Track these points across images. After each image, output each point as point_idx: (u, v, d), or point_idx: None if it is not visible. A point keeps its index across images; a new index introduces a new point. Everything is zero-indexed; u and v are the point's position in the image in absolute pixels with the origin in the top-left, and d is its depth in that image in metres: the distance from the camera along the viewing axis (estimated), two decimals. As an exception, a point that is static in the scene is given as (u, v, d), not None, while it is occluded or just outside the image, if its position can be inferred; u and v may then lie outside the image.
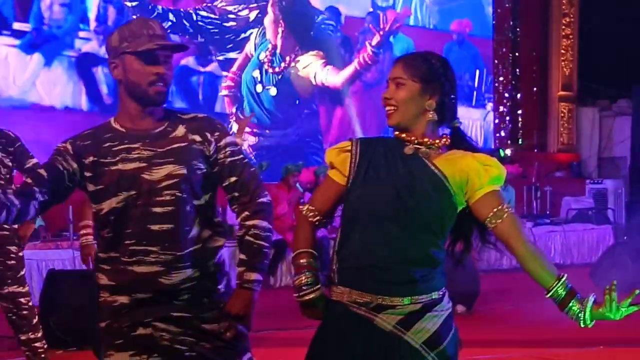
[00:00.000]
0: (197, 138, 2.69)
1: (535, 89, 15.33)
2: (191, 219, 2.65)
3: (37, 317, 5.06)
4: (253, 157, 11.77)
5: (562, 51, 15.34)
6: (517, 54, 15.06)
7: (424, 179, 2.54)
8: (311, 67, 12.49)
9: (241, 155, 2.75)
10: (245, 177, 2.72)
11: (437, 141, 2.61)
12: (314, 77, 12.52)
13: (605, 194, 13.75)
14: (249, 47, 12.16)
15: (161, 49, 2.62)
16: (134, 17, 10.09)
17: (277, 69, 12.22)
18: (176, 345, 2.64)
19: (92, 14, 10.76)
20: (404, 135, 2.62)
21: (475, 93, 14.71)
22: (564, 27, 15.32)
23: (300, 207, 2.76)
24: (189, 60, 11.78)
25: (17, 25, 10.32)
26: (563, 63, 15.36)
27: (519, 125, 15.07)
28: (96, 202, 2.67)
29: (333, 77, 12.61)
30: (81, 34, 10.62)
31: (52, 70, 10.46)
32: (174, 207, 2.62)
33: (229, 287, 2.77)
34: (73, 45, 10.64)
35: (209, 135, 2.70)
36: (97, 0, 10.85)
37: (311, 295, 2.64)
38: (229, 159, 2.71)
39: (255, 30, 12.16)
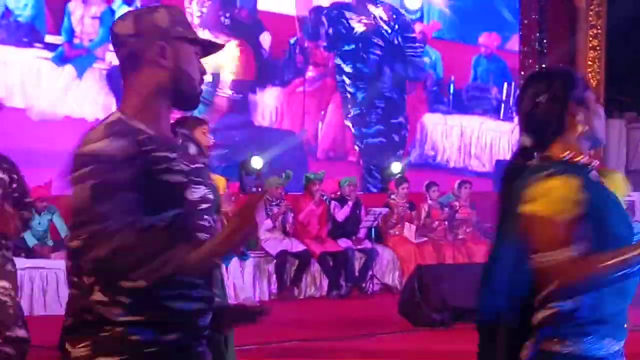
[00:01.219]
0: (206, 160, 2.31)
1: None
2: None
3: None
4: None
5: (589, 63, 15.25)
6: (543, 65, 15.00)
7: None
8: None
9: None
10: None
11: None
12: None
13: (633, 206, 13.64)
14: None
15: (209, 46, 2.22)
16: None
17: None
18: None
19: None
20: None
21: (503, 106, 14.67)
22: (591, 38, 15.24)
23: None
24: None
25: (49, 38, 10.47)
26: (590, 75, 15.26)
27: (546, 137, 15.02)
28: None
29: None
30: (112, 46, 10.74)
31: (83, 82, 10.58)
32: (210, 234, 2.15)
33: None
34: (104, 58, 10.77)
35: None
36: (128, 13, 10.96)
37: None
38: None
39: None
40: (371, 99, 12.88)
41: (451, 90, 14.01)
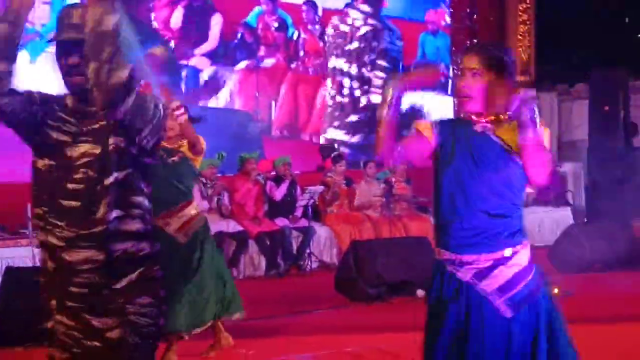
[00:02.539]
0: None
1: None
2: (99, 199, 2.64)
3: None
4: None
5: (520, 37, 15.47)
6: (475, 41, 15.16)
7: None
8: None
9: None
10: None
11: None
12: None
13: (565, 176, 13.94)
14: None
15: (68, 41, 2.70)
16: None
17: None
18: (67, 339, 2.66)
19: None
20: None
21: (450, 82, 14.84)
22: (520, 13, 15.44)
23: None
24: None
25: (0, 24, 10.33)
26: (521, 49, 15.47)
27: (479, 111, 15.19)
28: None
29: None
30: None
31: (36, 66, 10.44)
32: (84, 186, 2.65)
33: (130, 286, 2.68)
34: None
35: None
36: (79, -2, 10.87)
37: None
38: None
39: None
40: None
41: (400, 67, 14.14)
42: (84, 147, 2.66)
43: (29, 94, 2.78)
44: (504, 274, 3.01)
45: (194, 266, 5.42)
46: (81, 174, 2.64)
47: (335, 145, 12.07)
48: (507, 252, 3.02)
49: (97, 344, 2.61)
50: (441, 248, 3.11)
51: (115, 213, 2.63)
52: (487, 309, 3.00)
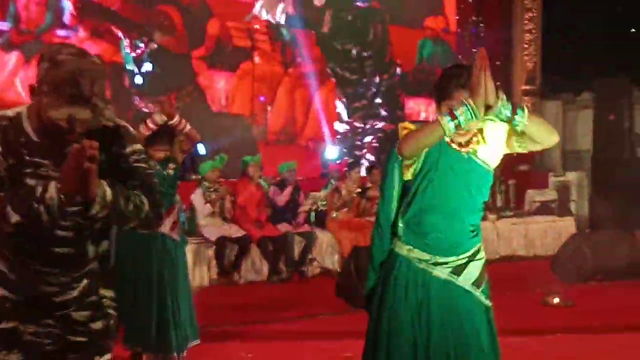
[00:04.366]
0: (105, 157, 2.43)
1: (498, 83, 15.41)
2: (89, 242, 2.52)
3: None
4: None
5: (525, 45, 15.49)
6: (482, 48, 15.19)
7: None
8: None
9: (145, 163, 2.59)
10: (149, 183, 2.55)
11: None
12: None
13: (569, 186, 13.94)
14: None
15: None
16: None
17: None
18: (39, 338, 2.47)
19: (68, 12, 10.86)
20: None
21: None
22: (526, 21, 15.47)
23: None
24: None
25: (-5, 25, 10.38)
26: (526, 57, 15.51)
27: (483, 119, 15.17)
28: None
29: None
30: (59, 32, 10.63)
31: (31, 68, 10.48)
32: (74, 233, 2.47)
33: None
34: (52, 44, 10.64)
35: (118, 148, 2.51)
36: (74, -2, 10.95)
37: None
38: (134, 165, 2.54)
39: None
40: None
41: (398, 73, 14.16)
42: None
43: None
44: (475, 268, 3.22)
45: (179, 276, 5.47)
46: (70, 221, 2.44)
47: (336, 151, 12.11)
48: (476, 248, 3.25)
49: (72, 338, 2.51)
50: (412, 246, 3.22)
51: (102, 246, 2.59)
52: (464, 301, 3.20)
